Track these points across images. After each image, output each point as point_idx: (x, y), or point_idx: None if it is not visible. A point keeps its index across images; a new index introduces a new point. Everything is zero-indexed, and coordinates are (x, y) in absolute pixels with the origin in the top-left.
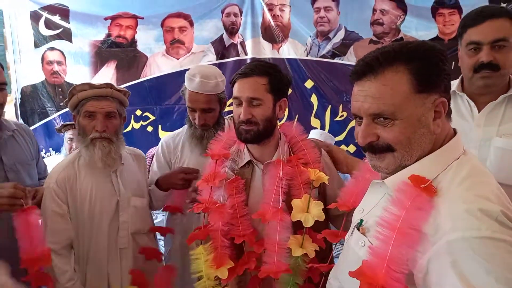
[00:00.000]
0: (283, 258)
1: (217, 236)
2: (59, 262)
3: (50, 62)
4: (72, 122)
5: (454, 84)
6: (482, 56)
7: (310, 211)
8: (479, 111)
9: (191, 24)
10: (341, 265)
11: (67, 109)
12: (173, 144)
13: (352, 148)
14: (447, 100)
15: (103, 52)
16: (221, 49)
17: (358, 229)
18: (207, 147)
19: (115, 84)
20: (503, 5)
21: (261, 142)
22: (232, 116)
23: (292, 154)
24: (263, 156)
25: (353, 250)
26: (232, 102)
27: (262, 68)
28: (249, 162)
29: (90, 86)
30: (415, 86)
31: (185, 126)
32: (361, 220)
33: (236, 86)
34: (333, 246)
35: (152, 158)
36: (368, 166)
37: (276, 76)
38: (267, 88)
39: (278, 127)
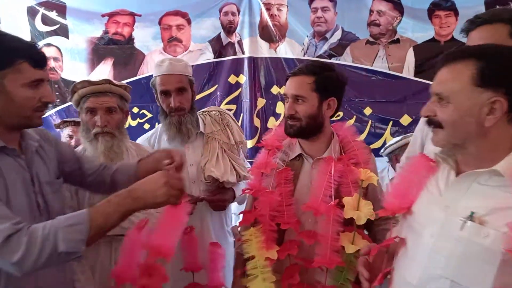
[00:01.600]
0: (335, 252)
1: (266, 221)
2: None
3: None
4: (71, 119)
5: None
6: None
7: (361, 210)
8: None
9: (189, 22)
10: (446, 261)
11: (63, 106)
12: (149, 144)
13: None
14: (508, 102)
15: (100, 49)
16: (219, 47)
17: (468, 222)
18: (187, 134)
19: None
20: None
21: (308, 138)
22: (203, 111)
23: (343, 153)
24: (313, 152)
25: (473, 242)
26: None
27: (311, 67)
28: (300, 155)
29: (90, 82)
30: (475, 80)
31: (158, 126)
32: (472, 212)
33: (287, 83)
34: None
35: None
36: (410, 167)
37: (324, 76)
38: (313, 86)
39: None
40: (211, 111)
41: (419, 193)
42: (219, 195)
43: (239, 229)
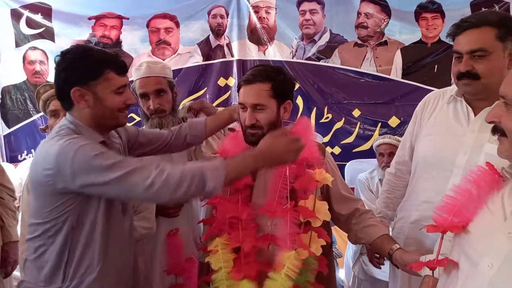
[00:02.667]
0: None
1: (225, 229)
2: None
3: (32, 62)
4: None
5: (454, 89)
6: (461, 65)
7: (317, 211)
8: (475, 116)
9: (177, 25)
10: None
11: None
12: None
13: (337, 150)
14: None
15: None
16: (208, 50)
17: None
18: None
19: None
20: (497, 7)
21: None
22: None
23: None
24: None
25: None
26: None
27: (265, 73)
28: None
29: (51, 86)
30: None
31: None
32: None
33: (241, 92)
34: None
35: None
36: (471, 180)
37: (279, 81)
38: (270, 93)
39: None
40: (199, 112)
41: (478, 211)
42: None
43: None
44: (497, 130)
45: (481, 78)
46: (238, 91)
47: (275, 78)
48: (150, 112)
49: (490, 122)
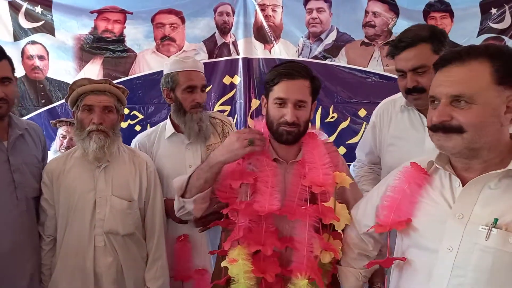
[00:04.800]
0: (312, 258)
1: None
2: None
3: (31, 57)
4: (67, 119)
5: (402, 98)
6: (406, 82)
7: (338, 214)
8: None
9: (183, 21)
10: (475, 275)
11: (49, 106)
12: (148, 142)
13: (342, 150)
14: None
15: (89, 48)
16: (213, 48)
17: (493, 230)
18: (206, 130)
19: None
20: (494, 10)
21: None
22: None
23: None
24: (288, 155)
25: (503, 251)
26: None
27: (304, 70)
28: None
29: (89, 81)
30: (496, 78)
31: (160, 125)
32: (496, 219)
33: (281, 87)
34: None
35: None
36: (405, 178)
37: (315, 79)
38: (310, 91)
39: None
40: (213, 117)
41: (414, 206)
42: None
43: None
44: (446, 128)
45: (426, 91)
46: (270, 86)
47: (312, 76)
48: (192, 106)
49: (440, 122)
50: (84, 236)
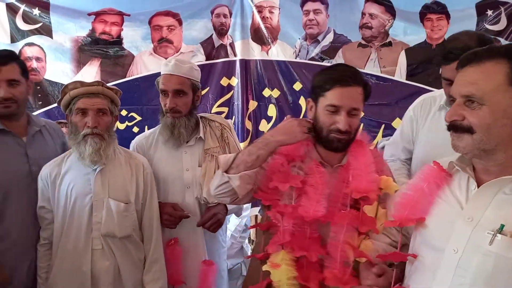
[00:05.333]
0: (346, 262)
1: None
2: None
3: (29, 58)
4: (65, 121)
5: (442, 99)
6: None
7: (379, 220)
8: None
9: (180, 23)
10: (475, 278)
11: (46, 108)
12: (146, 144)
13: None
14: None
15: (86, 49)
16: (210, 49)
17: (498, 235)
18: (178, 137)
19: None
20: (490, 12)
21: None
22: (203, 117)
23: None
24: (332, 160)
25: (504, 257)
26: None
27: (359, 76)
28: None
29: (82, 84)
30: (510, 79)
31: (157, 127)
32: (502, 225)
33: (335, 93)
34: None
35: None
36: (425, 177)
37: (368, 85)
38: (362, 97)
39: None
40: (212, 121)
41: (431, 205)
42: (208, 213)
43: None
44: (458, 127)
45: None
46: (320, 90)
47: (365, 82)
48: (165, 110)
49: (451, 122)
50: (81, 239)
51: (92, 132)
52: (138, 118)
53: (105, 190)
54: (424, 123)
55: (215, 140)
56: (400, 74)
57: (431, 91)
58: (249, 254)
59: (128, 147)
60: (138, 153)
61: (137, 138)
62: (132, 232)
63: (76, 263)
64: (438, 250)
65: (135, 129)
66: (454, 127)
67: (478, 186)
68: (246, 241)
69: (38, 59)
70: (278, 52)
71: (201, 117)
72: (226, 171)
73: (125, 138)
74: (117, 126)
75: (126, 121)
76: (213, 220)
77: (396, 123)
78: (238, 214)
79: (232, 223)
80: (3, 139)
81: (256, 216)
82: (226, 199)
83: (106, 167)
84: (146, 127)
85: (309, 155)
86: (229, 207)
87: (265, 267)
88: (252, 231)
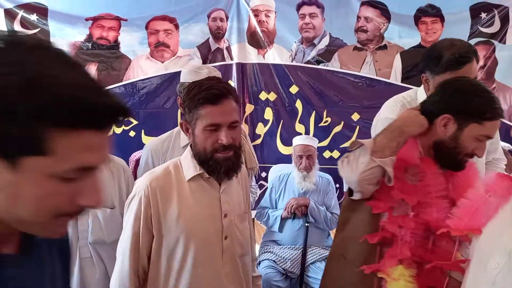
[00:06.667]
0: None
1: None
2: None
3: None
4: None
5: (416, 98)
6: None
7: None
8: None
9: (177, 27)
10: None
11: None
12: (161, 149)
13: (336, 154)
14: None
15: (84, 54)
16: (207, 53)
17: None
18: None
19: None
20: (484, 14)
21: None
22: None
23: None
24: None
25: None
26: None
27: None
28: None
29: None
30: None
31: (173, 130)
32: None
33: (489, 126)
34: None
35: (136, 163)
36: (487, 186)
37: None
38: None
39: None
40: None
41: (492, 217)
42: None
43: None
44: None
45: None
46: (477, 118)
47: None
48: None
49: None
50: None
51: None
52: (135, 122)
53: None
54: None
55: None
56: (395, 77)
57: None
58: None
59: (125, 151)
60: (115, 156)
61: (152, 142)
62: (119, 236)
63: None
64: (482, 263)
65: (132, 133)
66: None
67: None
68: None
69: None
70: (275, 55)
71: None
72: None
73: (122, 142)
74: (113, 130)
75: (123, 125)
76: None
77: None
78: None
79: None
80: None
81: (254, 219)
82: (370, 187)
83: None
84: (142, 131)
85: (427, 162)
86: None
87: (380, 274)
88: None
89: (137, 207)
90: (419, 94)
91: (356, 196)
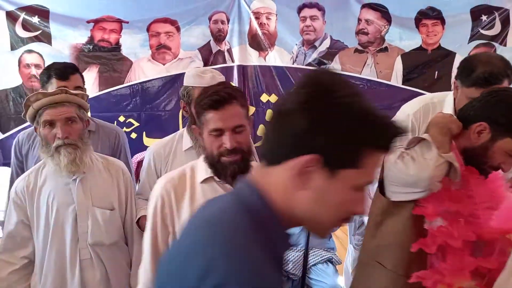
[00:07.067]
0: None
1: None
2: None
3: (28, 66)
4: None
5: (442, 100)
6: None
7: None
8: None
9: (178, 29)
10: None
11: None
12: (164, 153)
13: None
14: None
15: (85, 56)
16: (208, 55)
17: None
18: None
19: (97, 89)
20: (484, 17)
21: None
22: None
23: None
24: None
25: None
26: None
27: None
28: None
29: (44, 94)
30: None
31: (176, 134)
32: None
33: None
34: None
35: (138, 165)
36: None
37: None
38: None
39: None
40: None
41: None
42: None
43: None
44: None
45: None
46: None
47: None
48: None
49: None
50: (67, 251)
51: (64, 143)
52: (136, 124)
53: (88, 199)
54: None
55: None
56: (396, 79)
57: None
58: None
59: (141, 153)
60: (114, 158)
61: (154, 145)
62: (119, 237)
63: (62, 277)
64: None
65: (133, 135)
66: None
67: None
68: None
69: (37, 66)
70: (276, 57)
71: None
72: None
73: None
74: None
75: (124, 127)
76: None
77: None
78: None
79: None
80: None
81: None
82: (439, 184)
83: (86, 175)
84: (144, 133)
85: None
86: None
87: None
88: None
89: (154, 205)
90: (448, 98)
91: (419, 195)
